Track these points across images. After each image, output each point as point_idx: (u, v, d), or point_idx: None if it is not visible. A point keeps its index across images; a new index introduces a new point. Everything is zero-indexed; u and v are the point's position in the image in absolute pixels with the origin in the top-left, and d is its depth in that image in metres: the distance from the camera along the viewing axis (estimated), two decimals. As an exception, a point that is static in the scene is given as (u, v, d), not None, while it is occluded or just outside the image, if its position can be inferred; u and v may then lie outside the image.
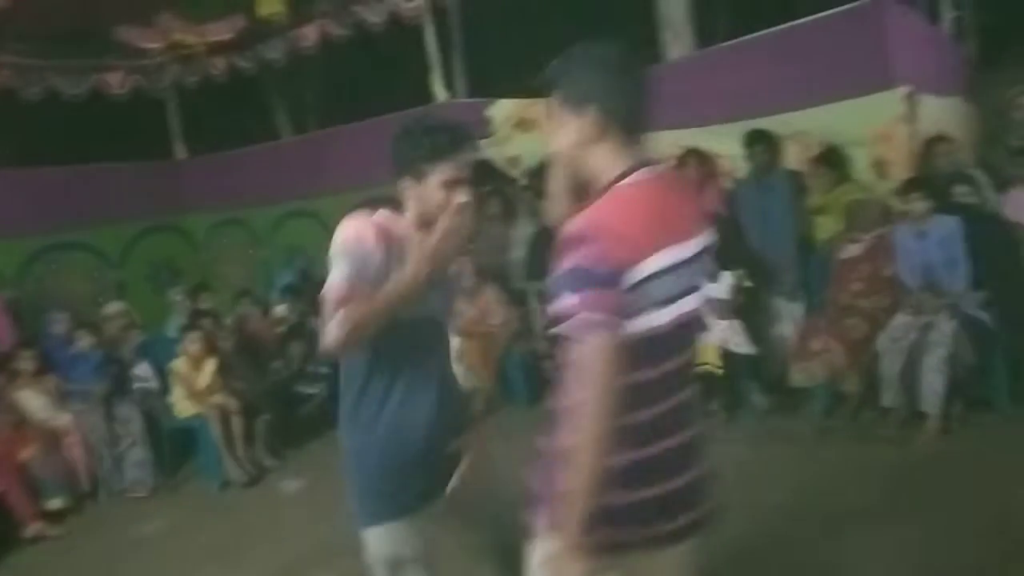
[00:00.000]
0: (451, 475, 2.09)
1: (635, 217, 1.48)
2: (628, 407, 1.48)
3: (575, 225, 1.46)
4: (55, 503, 4.91)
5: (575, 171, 1.63)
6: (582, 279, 1.42)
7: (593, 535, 1.47)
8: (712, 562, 3.25)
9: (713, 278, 1.54)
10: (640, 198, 1.52)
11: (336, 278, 1.93)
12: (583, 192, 1.61)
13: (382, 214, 2.07)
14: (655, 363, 1.53)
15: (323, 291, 1.95)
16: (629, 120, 1.56)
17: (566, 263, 1.45)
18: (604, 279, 1.42)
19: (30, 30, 6.27)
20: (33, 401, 5.14)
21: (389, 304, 1.91)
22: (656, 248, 1.48)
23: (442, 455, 2.08)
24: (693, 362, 1.68)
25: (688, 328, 1.60)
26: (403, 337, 1.99)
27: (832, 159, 4.83)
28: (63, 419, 5.14)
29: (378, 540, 2.04)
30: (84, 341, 5.56)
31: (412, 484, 2.03)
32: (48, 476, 4.90)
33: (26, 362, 5.22)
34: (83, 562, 4.35)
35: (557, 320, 1.45)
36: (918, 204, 4.32)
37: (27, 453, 4.87)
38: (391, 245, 1.99)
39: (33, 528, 4.66)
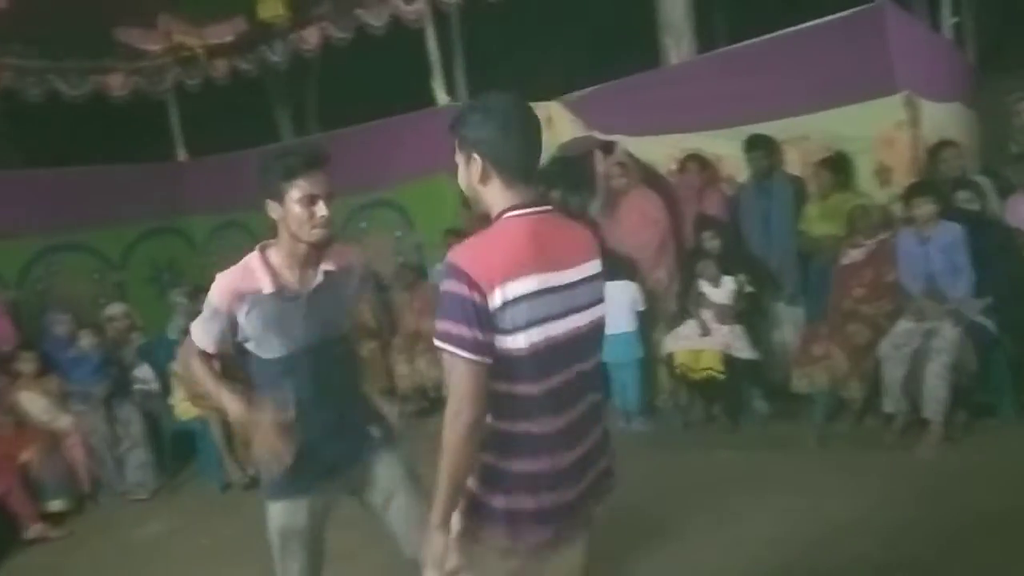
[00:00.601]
0: (341, 473, 2.41)
1: (510, 247, 1.69)
2: (514, 419, 1.72)
3: (453, 255, 1.69)
4: (56, 505, 4.91)
5: (475, 204, 1.85)
6: (453, 306, 1.65)
7: (503, 537, 1.74)
8: (718, 568, 3.28)
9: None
10: (519, 231, 1.72)
11: (194, 326, 2.41)
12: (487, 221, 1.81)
13: (256, 256, 2.36)
14: (537, 378, 1.72)
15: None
16: (514, 165, 1.76)
17: (443, 288, 1.68)
18: (471, 307, 1.64)
19: (31, 32, 6.26)
20: (34, 402, 5.14)
21: (206, 391, 2.44)
22: (524, 274, 1.67)
23: (332, 453, 2.38)
24: (588, 376, 1.83)
25: (574, 345, 1.78)
26: (295, 361, 2.34)
27: (837, 164, 4.83)
28: (64, 420, 5.14)
29: (274, 513, 2.40)
30: (86, 341, 5.55)
31: (302, 474, 2.33)
32: (49, 478, 4.90)
33: (27, 363, 5.21)
34: (84, 564, 4.35)
35: (437, 338, 1.68)
36: (923, 209, 4.32)
37: (28, 454, 4.87)
38: (244, 295, 2.31)
39: (34, 530, 4.66)
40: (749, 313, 4.99)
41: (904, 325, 4.33)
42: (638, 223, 5.36)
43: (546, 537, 1.77)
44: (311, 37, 6.75)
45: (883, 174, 4.85)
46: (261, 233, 8.07)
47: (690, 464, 4.45)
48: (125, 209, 7.14)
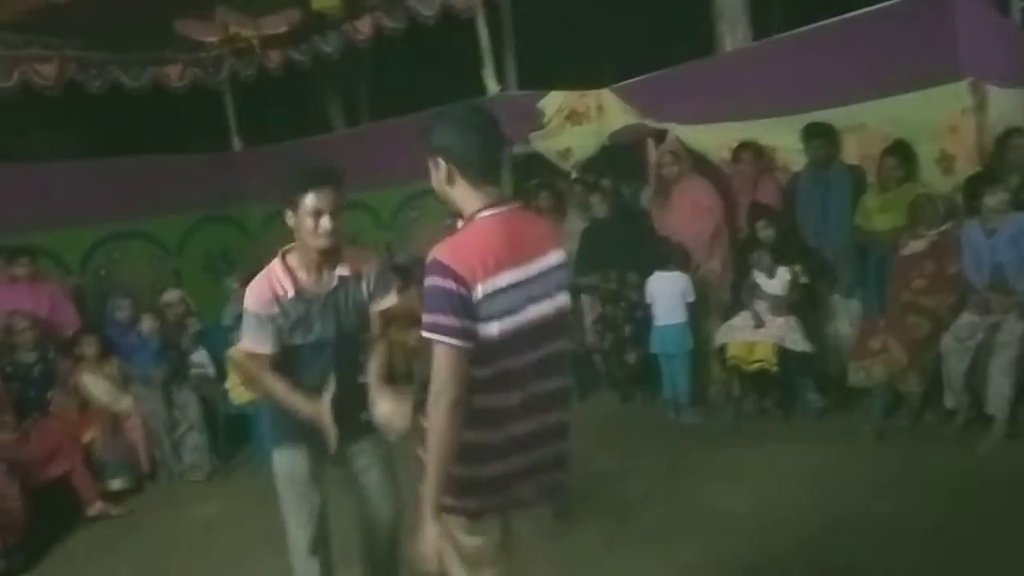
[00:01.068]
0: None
1: (486, 245, 1.87)
2: (485, 395, 1.88)
3: (435, 253, 1.86)
4: (117, 484, 5.05)
5: (447, 206, 2.02)
6: (437, 299, 1.82)
7: (462, 503, 1.92)
8: (764, 564, 3.23)
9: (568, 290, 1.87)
10: (490, 229, 1.90)
11: (245, 340, 2.66)
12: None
13: (277, 263, 2.66)
14: (502, 360, 1.88)
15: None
16: (475, 166, 1.93)
17: (427, 284, 1.85)
18: (457, 299, 1.81)
19: (93, 24, 6.42)
20: (96, 385, 5.29)
21: (280, 397, 2.64)
22: (500, 270, 1.85)
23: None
24: (549, 360, 1.98)
25: (538, 331, 1.94)
26: (312, 352, 2.66)
27: (903, 154, 4.69)
28: (124, 403, 5.28)
29: (279, 459, 2.75)
30: (147, 325, 5.69)
31: (301, 427, 2.64)
32: (110, 457, 5.05)
33: (90, 347, 5.37)
34: (143, 541, 4.48)
35: (424, 329, 1.84)
36: (994, 199, 4.17)
37: (91, 435, 5.03)
38: (281, 297, 2.60)
39: (96, 507, 4.81)
40: (804, 305, 4.89)
41: (967, 318, 4.20)
42: (691, 212, 5.29)
43: (501, 501, 1.96)
44: (363, 27, 6.79)
45: (945, 163, 4.70)
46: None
47: (740, 457, 4.39)
48: (182, 198, 7.30)
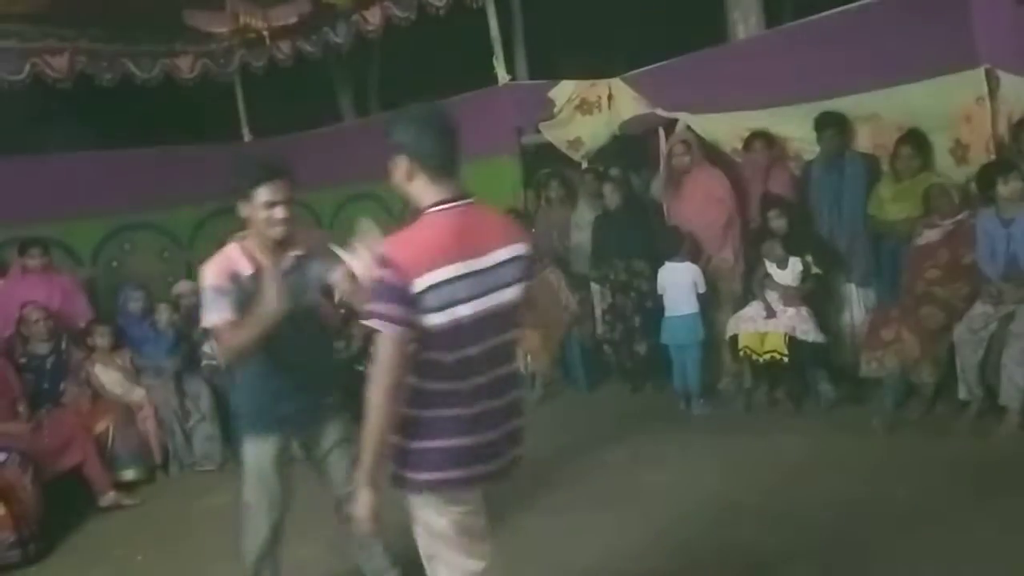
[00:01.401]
0: (297, 425, 2.96)
1: (433, 239, 1.98)
2: (435, 380, 2.02)
3: (384, 246, 2.01)
4: (129, 474, 5.10)
5: (408, 201, 2.11)
6: (382, 290, 1.96)
7: (423, 476, 2.07)
8: (782, 556, 3.22)
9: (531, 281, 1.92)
10: (440, 224, 2.00)
11: (207, 316, 2.73)
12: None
13: (234, 246, 2.82)
14: (456, 347, 2.00)
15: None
16: (434, 162, 2.02)
17: (375, 275, 2.00)
18: (397, 291, 1.93)
19: (103, 16, 6.44)
20: (108, 376, 5.32)
21: (256, 331, 2.65)
22: (447, 262, 1.95)
23: (293, 406, 2.90)
24: (502, 348, 2.10)
25: (492, 320, 2.04)
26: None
27: (918, 143, 4.64)
28: (137, 394, 5.31)
29: (248, 448, 2.95)
30: (163, 316, 5.71)
31: (268, 416, 2.89)
32: (122, 448, 5.09)
33: (102, 337, 5.40)
34: (155, 531, 4.50)
35: (368, 317, 1.98)
36: (1009, 187, 4.12)
37: (103, 425, 5.06)
38: (238, 274, 2.74)
39: (108, 498, 4.84)
40: (816, 295, 4.86)
41: (981, 308, 4.16)
42: (703, 202, 5.26)
43: (460, 476, 2.08)
44: (373, 17, 6.77)
45: (960, 152, 4.64)
46: (324, 214, 8.24)
47: (750, 448, 4.37)
48: (193, 189, 7.31)
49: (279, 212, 2.71)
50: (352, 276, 2.62)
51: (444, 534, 2.13)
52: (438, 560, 2.17)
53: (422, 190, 2.04)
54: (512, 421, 2.17)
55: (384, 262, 1.96)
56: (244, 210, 2.75)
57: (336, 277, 2.81)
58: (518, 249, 2.10)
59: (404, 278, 1.93)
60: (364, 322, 2.00)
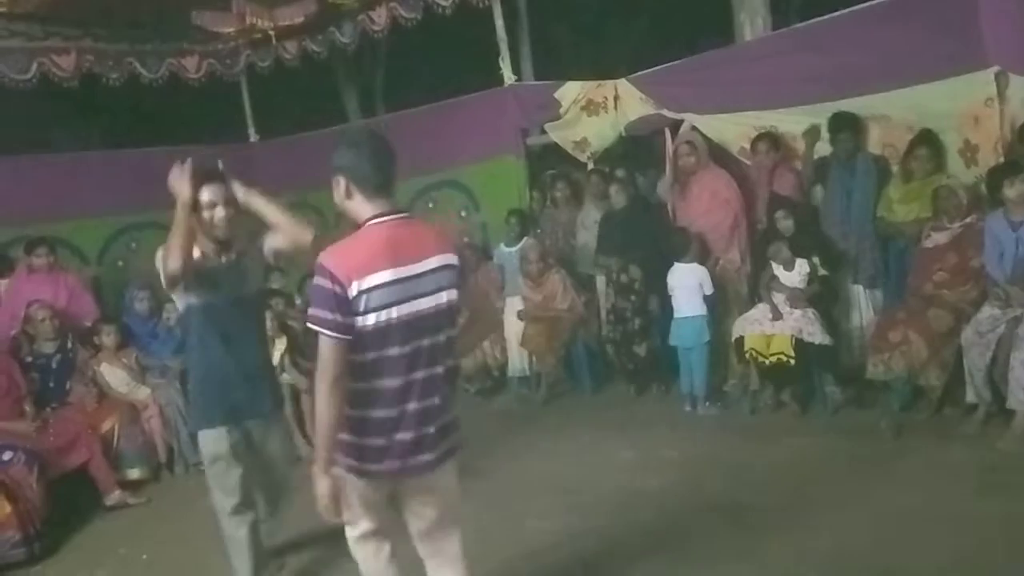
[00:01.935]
0: (245, 416, 3.22)
1: (367, 249, 2.18)
2: (366, 379, 2.21)
3: (322, 257, 2.18)
4: (134, 473, 5.10)
5: (347, 217, 2.32)
6: (320, 296, 2.15)
7: (364, 467, 2.28)
8: (786, 558, 3.20)
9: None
10: (374, 235, 2.21)
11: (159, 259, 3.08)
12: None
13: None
14: (384, 348, 2.19)
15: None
16: (369, 182, 2.24)
17: (313, 283, 2.18)
18: (333, 297, 2.13)
19: (110, 16, 6.45)
20: (114, 375, 5.33)
21: (179, 231, 2.92)
22: (378, 269, 2.15)
23: (239, 395, 3.16)
24: (431, 350, 2.26)
25: (419, 323, 2.23)
26: (216, 311, 3.10)
27: (932, 143, 4.61)
28: (142, 393, 5.32)
29: (204, 442, 3.22)
30: (171, 315, 5.71)
31: (215, 407, 3.16)
32: (128, 447, 5.08)
33: (108, 337, 5.41)
34: (160, 530, 4.50)
35: (308, 321, 2.20)
36: (1014, 189, 4.10)
37: (109, 424, 5.06)
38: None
39: (114, 497, 4.84)
40: (822, 297, 4.84)
41: (989, 311, 4.14)
42: (709, 203, 5.25)
43: (393, 467, 2.28)
44: (379, 18, 6.76)
45: (969, 153, 4.62)
46: (329, 213, 8.16)
47: (756, 450, 4.36)
48: (199, 189, 7.32)
49: (219, 212, 3.01)
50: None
51: (361, 505, 2.38)
52: (353, 528, 2.44)
53: (359, 207, 2.25)
54: (440, 419, 2.34)
55: (322, 271, 2.15)
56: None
57: (269, 243, 3.16)
58: (448, 259, 2.29)
59: (340, 285, 2.13)
60: (308, 326, 2.20)
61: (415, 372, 2.24)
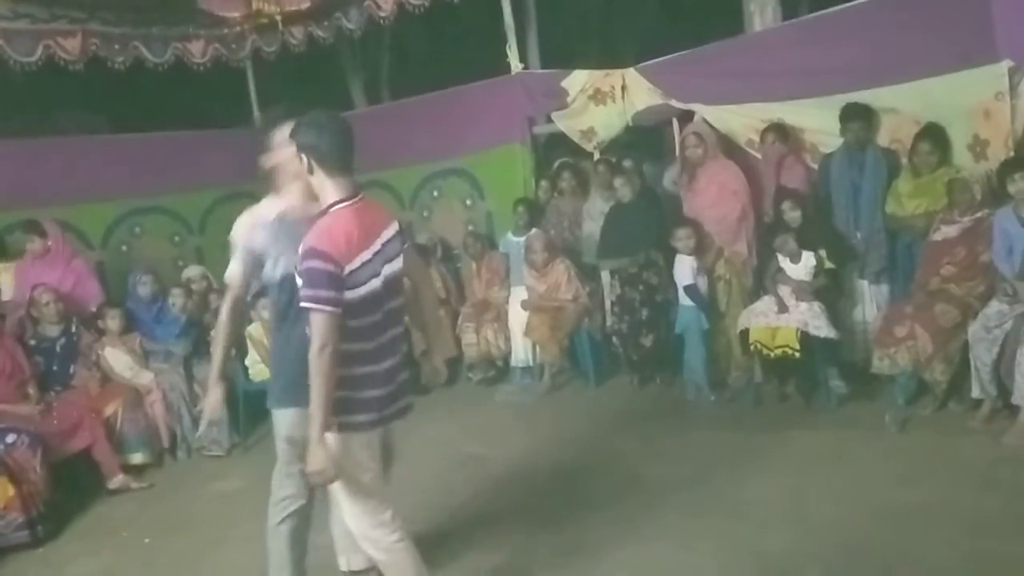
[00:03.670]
0: None
1: (346, 232, 2.43)
2: (350, 342, 2.46)
3: (309, 239, 2.41)
4: (137, 457, 5.12)
5: (310, 193, 2.60)
6: (318, 277, 2.38)
7: (348, 420, 2.52)
8: (779, 551, 3.20)
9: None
10: (348, 218, 2.47)
11: None
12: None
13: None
14: (364, 315, 2.49)
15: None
16: (330, 160, 2.49)
17: (307, 266, 2.39)
18: (329, 276, 2.38)
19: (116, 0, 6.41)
20: (118, 359, 5.34)
21: None
22: (361, 249, 2.45)
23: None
24: (393, 312, 2.62)
25: (385, 291, 2.55)
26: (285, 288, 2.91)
27: (935, 137, 4.58)
28: (145, 377, 5.33)
29: (284, 420, 2.91)
30: (177, 301, 5.72)
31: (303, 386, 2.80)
32: (131, 431, 5.10)
33: (113, 321, 5.41)
34: (163, 514, 4.53)
35: (302, 299, 2.41)
36: (1014, 186, 4.06)
37: (112, 408, 5.07)
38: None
39: (117, 481, 4.86)
40: (829, 290, 4.82)
41: (996, 307, 4.11)
42: (717, 195, 5.22)
43: (372, 417, 2.57)
44: (386, 4, 6.70)
45: (978, 148, 4.58)
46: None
47: (759, 442, 4.35)
48: (204, 174, 7.28)
49: None
50: None
51: (359, 462, 2.59)
52: (349, 483, 2.60)
53: (321, 183, 2.51)
54: (404, 373, 2.72)
55: (318, 254, 2.37)
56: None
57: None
58: (395, 227, 2.65)
59: (337, 264, 2.38)
60: (304, 305, 2.40)
61: (384, 334, 2.57)
